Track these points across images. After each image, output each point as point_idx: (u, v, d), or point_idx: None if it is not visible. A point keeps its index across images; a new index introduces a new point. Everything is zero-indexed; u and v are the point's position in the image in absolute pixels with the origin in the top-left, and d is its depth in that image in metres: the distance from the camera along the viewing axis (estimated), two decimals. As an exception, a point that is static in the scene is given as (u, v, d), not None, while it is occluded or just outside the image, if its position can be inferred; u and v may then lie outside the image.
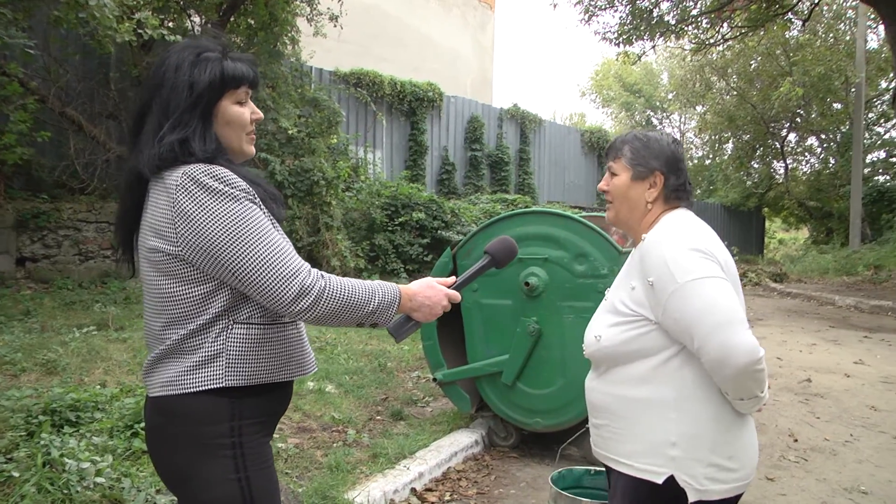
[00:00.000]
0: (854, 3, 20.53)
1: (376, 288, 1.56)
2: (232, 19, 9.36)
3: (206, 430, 1.50)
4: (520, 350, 4.03)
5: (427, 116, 15.23)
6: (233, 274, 1.47)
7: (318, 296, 1.47)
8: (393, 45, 16.95)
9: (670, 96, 29.94)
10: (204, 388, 1.49)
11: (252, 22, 9.52)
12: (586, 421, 3.97)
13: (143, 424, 3.40)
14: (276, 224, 1.59)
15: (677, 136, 31.58)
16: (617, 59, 18.77)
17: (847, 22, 22.48)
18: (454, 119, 16.11)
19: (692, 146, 31.03)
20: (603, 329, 1.80)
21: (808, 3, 15.44)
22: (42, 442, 2.92)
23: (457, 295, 1.69)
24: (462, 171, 16.22)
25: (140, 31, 6.38)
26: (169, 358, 1.52)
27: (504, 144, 17.18)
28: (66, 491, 2.65)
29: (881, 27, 19.99)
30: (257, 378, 1.55)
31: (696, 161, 29.61)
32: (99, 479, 2.72)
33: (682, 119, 32.03)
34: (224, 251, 1.45)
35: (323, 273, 1.52)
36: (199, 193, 1.47)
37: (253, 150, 1.69)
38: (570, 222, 4.00)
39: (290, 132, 9.50)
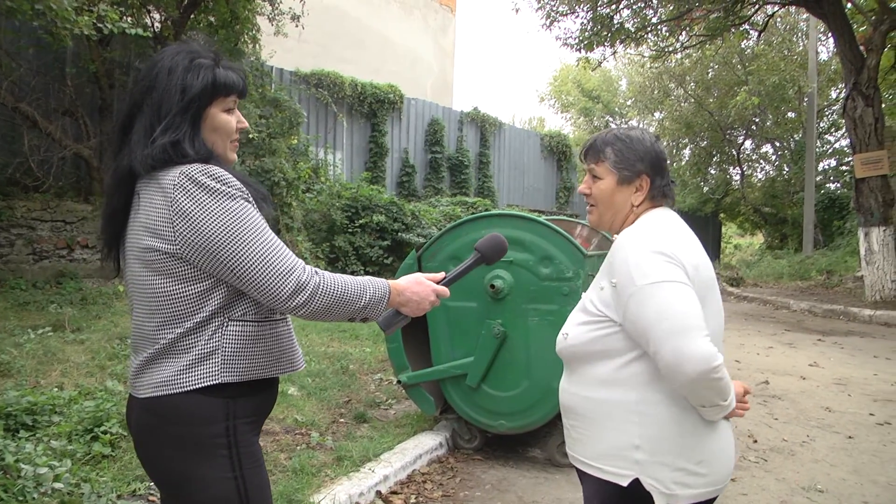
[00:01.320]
0: (806, 17, 21.12)
1: (367, 284, 1.61)
2: (192, 16, 9.21)
3: (203, 430, 1.52)
4: (485, 352, 4.04)
5: (388, 118, 15.19)
6: (231, 271, 1.49)
7: (313, 292, 1.51)
8: (354, 46, 16.87)
9: (629, 102, 30.38)
10: (200, 385, 1.51)
11: (213, 20, 9.39)
12: (550, 423, 4.04)
13: (103, 428, 3.35)
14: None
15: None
16: (577, 65, 18.97)
17: (799, 34, 23.15)
18: (414, 121, 16.10)
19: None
20: (571, 327, 1.80)
21: (763, 15, 15.83)
22: (-5, 447, 2.83)
23: (445, 291, 1.74)
24: (422, 173, 16.21)
25: (100, 25, 6.23)
26: (162, 358, 1.53)
27: (464, 147, 17.22)
28: (21, 497, 2.57)
29: (831, 40, 20.66)
30: (251, 374, 1.58)
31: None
32: (57, 485, 2.65)
33: (641, 125, 32.52)
34: (223, 249, 1.48)
35: (317, 269, 1.56)
36: (197, 192, 1.49)
37: (235, 157, 1.72)
38: (536, 225, 4.03)
39: (250, 133, 9.38)
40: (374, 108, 14.78)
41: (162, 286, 1.53)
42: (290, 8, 10.65)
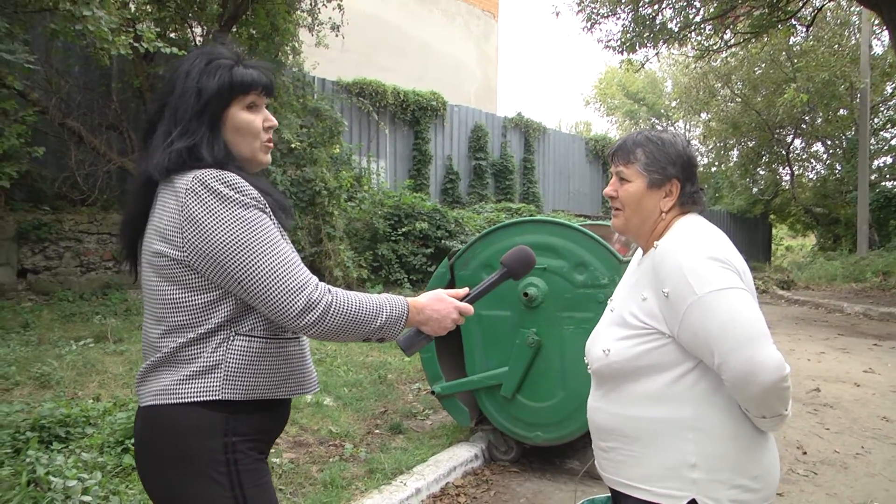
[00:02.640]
0: (858, 10, 20.45)
1: (384, 302, 1.53)
2: (234, 29, 9.35)
3: (198, 444, 1.45)
4: (519, 362, 3.96)
5: (431, 125, 15.20)
6: (238, 283, 1.43)
7: (324, 311, 1.44)
8: (396, 54, 16.95)
9: (674, 104, 29.86)
10: (198, 399, 1.45)
11: (254, 32, 9.51)
12: (588, 434, 3.92)
13: (133, 440, 3.36)
14: (284, 234, 1.57)
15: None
16: (620, 67, 18.70)
17: (851, 27, 22.41)
18: (458, 128, 16.08)
19: (697, 153, 30.89)
20: (611, 343, 1.68)
21: (810, 10, 15.37)
22: (28, 459, 2.86)
23: (469, 308, 1.65)
24: (466, 180, 16.17)
25: (136, 44, 6.36)
26: (164, 367, 1.48)
27: (508, 153, 17.14)
28: (49, 510, 2.59)
29: (885, 33, 19.93)
30: (255, 393, 1.51)
31: (701, 168, 29.47)
32: (85, 498, 2.66)
33: (687, 126, 31.95)
34: (230, 259, 1.42)
35: (330, 287, 1.49)
36: (208, 198, 1.44)
37: (268, 158, 1.66)
38: (569, 231, 3.93)
39: (291, 143, 9.46)
40: (416, 115, 14.81)
41: (169, 293, 1.48)
42: (330, 18, 10.73)
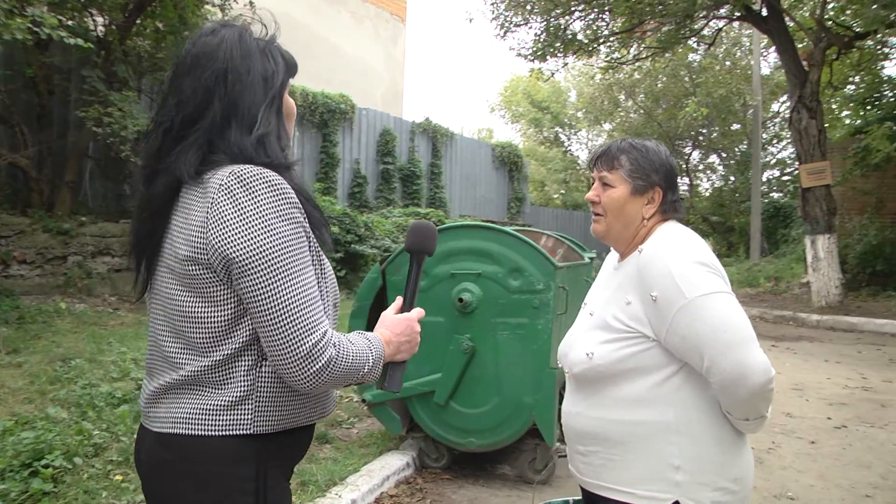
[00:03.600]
0: (749, 32, 21.73)
1: (368, 349, 1.37)
2: (138, 21, 8.89)
3: (231, 471, 1.31)
4: (453, 368, 3.91)
5: (339, 128, 14.95)
6: (247, 303, 1.26)
7: (323, 366, 1.26)
8: (304, 55, 16.40)
9: (579, 114, 30.73)
10: (230, 434, 1.30)
11: (160, 25, 9.07)
12: (521, 439, 3.92)
13: (44, 461, 3.08)
14: (321, 254, 1.40)
15: (585, 152, 32.49)
16: (529, 76, 19.06)
17: (742, 48, 23.82)
18: (366, 132, 15.89)
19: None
20: (595, 346, 1.68)
21: (710, 30, 16.18)
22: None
23: (420, 311, 1.54)
24: (374, 184, 16.01)
25: (36, 29, 5.91)
26: (186, 389, 1.32)
27: (416, 158, 17.08)
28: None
29: (772, 54, 21.27)
30: (286, 423, 1.36)
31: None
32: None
33: (590, 136, 32.94)
34: (248, 274, 1.24)
35: (335, 338, 1.29)
36: (244, 199, 1.25)
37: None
38: (504, 236, 3.92)
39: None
40: (325, 117, 14.52)
41: (190, 305, 1.30)
42: (241, 15, 10.35)
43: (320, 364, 1.25)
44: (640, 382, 1.62)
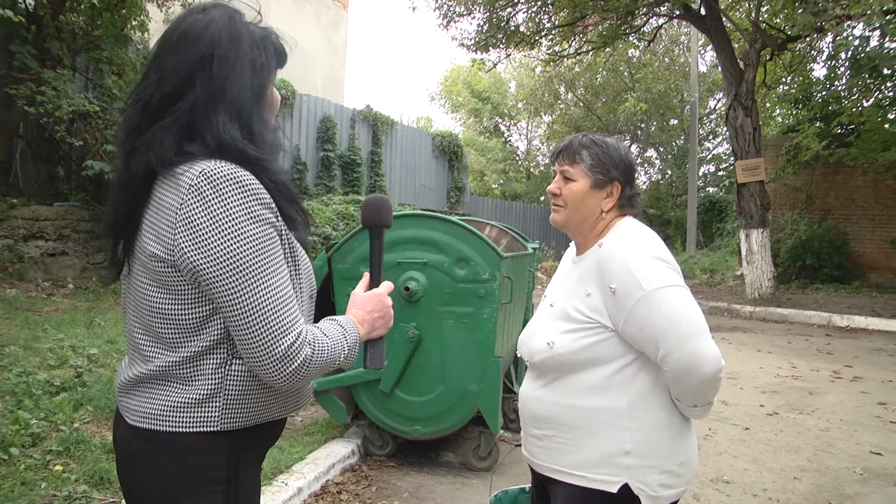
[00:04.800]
0: (686, 30, 22.31)
1: (343, 337, 1.36)
2: (73, -4, 8.55)
3: (201, 461, 1.31)
4: (398, 356, 3.92)
5: (279, 114, 14.58)
6: (221, 307, 1.25)
7: (299, 366, 1.25)
8: (243, 39, 16.24)
9: (519, 105, 30.96)
10: (198, 430, 1.30)
11: (96, 2, 8.73)
12: (465, 427, 3.96)
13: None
14: (295, 248, 1.38)
15: (525, 143, 32.82)
16: (470, 66, 19.10)
17: (680, 46, 24.44)
18: (306, 118, 15.64)
19: (539, 154, 32.38)
20: (556, 336, 1.73)
21: (650, 27, 16.54)
22: None
23: (390, 286, 1.55)
24: (314, 171, 15.78)
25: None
26: (155, 383, 1.31)
27: (356, 146, 16.91)
28: None
29: (710, 53, 21.90)
30: (257, 419, 1.36)
31: (542, 168, 30.92)
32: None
33: (530, 127, 33.24)
34: (219, 279, 1.22)
35: (311, 336, 1.29)
36: (214, 201, 1.22)
37: None
38: (450, 226, 3.94)
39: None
40: (265, 103, 14.25)
41: (158, 301, 1.29)
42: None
43: (296, 364, 1.25)
44: (598, 371, 1.69)
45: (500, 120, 32.70)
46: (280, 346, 1.23)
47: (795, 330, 10.41)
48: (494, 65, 17.11)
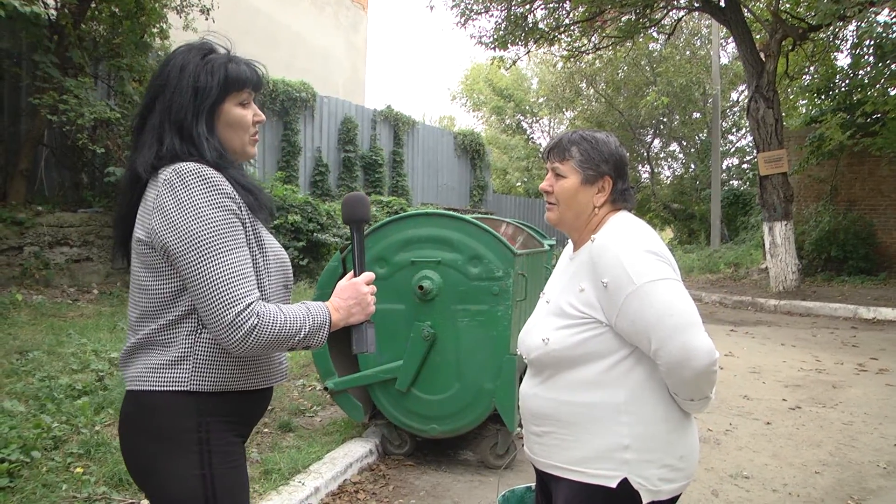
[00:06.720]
0: (707, 22, 22.03)
1: (306, 316, 1.54)
2: (93, 5, 8.69)
3: (174, 423, 1.50)
4: (414, 355, 3.94)
5: (300, 116, 14.79)
6: (185, 280, 1.48)
7: (246, 333, 1.44)
8: (264, 42, 16.33)
9: (541, 101, 30.84)
10: (170, 389, 1.50)
11: (116, 10, 8.88)
12: (482, 425, 3.97)
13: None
14: (263, 240, 1.60)
15: (547, 139, 32.64)
16: (490, 64, 19.04)
17: (700, 38, 24.16)
18: (327, 120, 15.74)
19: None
20: (551, 332, 1.74)
21: (669, 20, 16.37)
22: None
23: (369, 275, 1.70)
24: (336, 172, 15.89)
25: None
26: (141, 351, 1.54)
27: (377, 146, 16.98)
28: None
29: (731, 45, 21.61)
30: (223, 385, 1.54)
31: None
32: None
33: (552, 123, 33.10)
34: (183, 254, 1.45)
35: (260, 309, 1.47)
36: (181, 191, 1.47)
37: (255, 151, 1.71)
38: (464, 224, 3.95)
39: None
40: (286, 105, 14.36)
41: (143, 278, 1.53)
42: (200, 0, 10.20)
43: (244, 331, 1.43)
44: (594, 366, 1.69)
45: (522, 117, 32.60)
46: (229, 313, 1.43)
47: (820, 323, 10.25)
48: (514, 62, 17.05)
